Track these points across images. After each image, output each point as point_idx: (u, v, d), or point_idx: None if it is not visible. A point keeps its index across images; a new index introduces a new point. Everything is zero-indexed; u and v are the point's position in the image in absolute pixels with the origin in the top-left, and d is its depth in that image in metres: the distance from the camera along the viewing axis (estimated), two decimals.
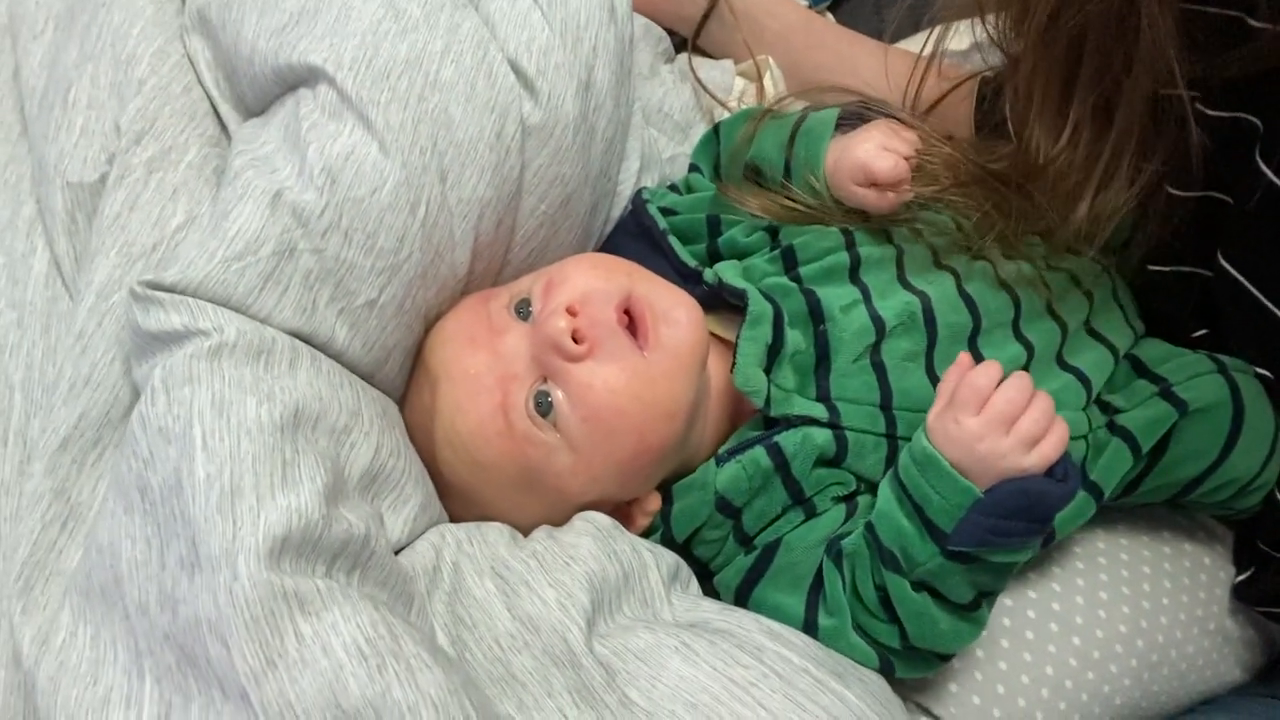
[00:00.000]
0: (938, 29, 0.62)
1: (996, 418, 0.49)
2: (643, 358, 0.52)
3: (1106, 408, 0.60)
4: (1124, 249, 0.68)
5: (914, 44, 0.73)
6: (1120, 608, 0.62)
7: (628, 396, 0.51)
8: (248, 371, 0.45)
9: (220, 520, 0.40)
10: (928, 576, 0.50)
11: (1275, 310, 0.58)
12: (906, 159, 0.56)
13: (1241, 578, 0.65)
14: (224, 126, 0.59)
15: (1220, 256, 0.59)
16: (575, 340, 0.51)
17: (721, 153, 0.66)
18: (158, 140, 0.55)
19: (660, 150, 0.69)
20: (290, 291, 0.49)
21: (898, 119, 0.61)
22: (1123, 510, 0.64)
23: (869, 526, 0.52)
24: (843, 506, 0.55)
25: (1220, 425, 0.59)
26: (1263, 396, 0.61)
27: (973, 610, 0.52)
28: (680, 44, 0.82)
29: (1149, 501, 0.63)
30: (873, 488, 0.56)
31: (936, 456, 0.49)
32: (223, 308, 0.48)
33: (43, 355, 0.53)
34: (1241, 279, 0.59)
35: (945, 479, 0.49)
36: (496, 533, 0.51)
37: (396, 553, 0.49)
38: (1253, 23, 0.54)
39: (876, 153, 0.56)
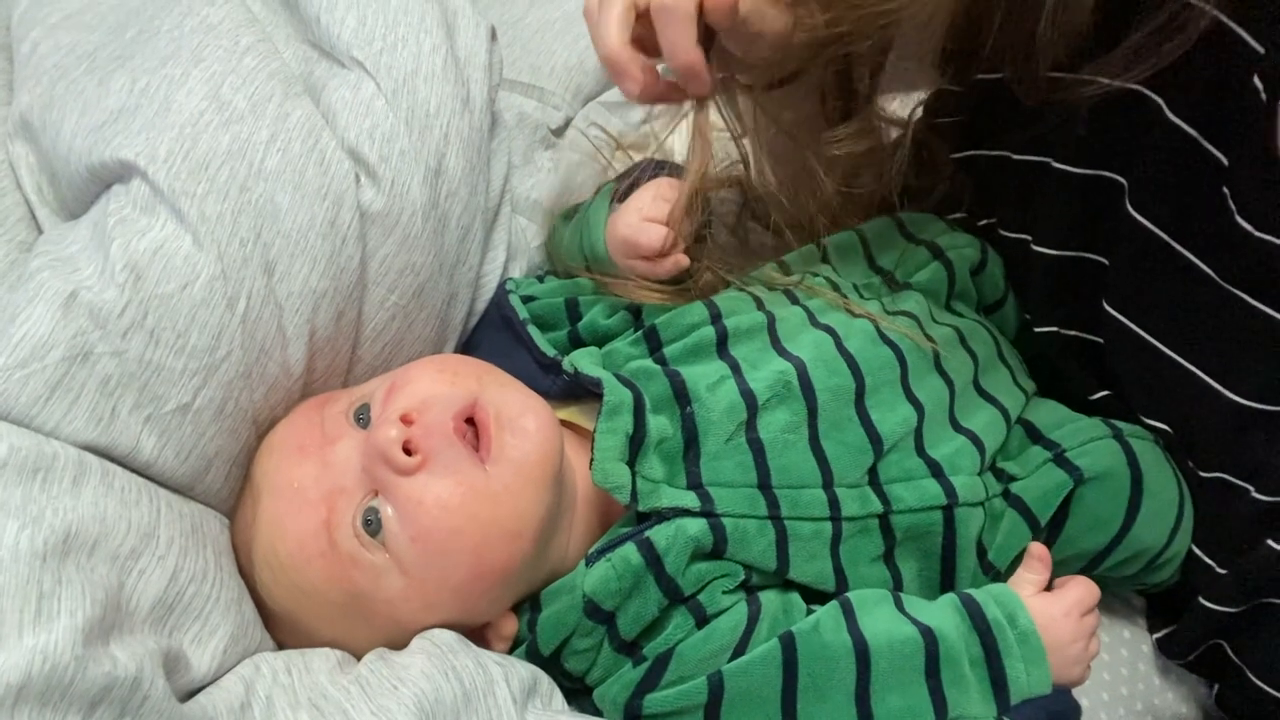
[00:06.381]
0: None
1: (1089, 628, 0.51)
2: (483, 471, 0.46)
3: (1001, 475, 0.56)
4: (999, 307, 0.65)
5: None
6: None
7: (463, 515, 0.45)
8: (17, 493, 0.39)
9: None
10: None
11: (1164, 349, 0.55)
12: (669, 221, 0.55)
13: (1162, 633, 0.60)
14: (42, 232, 0.55)
15: (1106, 305, 0.57)
16: (407, 451, 0.45)
17: (549, 247, 0.65)
18: None
19: (530, 239, 0.66)
20: (83, 400, 0.44)
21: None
22: None
23: (932, 650, 0.48)
24: (742, 606, 0.49)
25: (1119, 493, 0.55)
26: (1163, 464, 0.58)
27: None
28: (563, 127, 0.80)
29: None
30: (771, 577, 0.50)
31: (1040, 639, 0.49)
32: (1, 422, 0.42)
33: None
34: (1130, 324, 0.56)
35: (1040, 662, 0.49)
36: (321, 659, 0.45)
37: (201, 689, 0.42)
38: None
39: (640, 227, 0.56)
